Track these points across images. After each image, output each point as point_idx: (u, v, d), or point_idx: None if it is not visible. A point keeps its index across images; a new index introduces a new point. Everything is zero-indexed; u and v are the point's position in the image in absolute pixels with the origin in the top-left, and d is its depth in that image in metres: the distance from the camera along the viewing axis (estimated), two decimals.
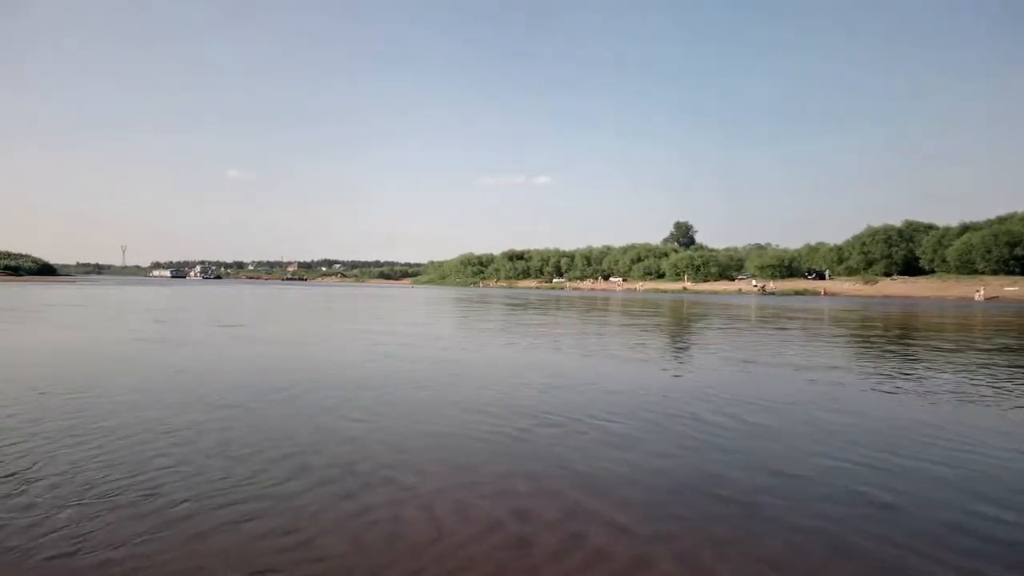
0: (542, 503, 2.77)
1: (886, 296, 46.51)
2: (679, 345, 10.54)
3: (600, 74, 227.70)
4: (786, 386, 6.05)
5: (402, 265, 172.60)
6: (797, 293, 52.16)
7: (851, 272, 62.40)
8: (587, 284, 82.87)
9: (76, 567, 2.09)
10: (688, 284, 69.19)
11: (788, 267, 69.10)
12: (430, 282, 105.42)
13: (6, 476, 2.95)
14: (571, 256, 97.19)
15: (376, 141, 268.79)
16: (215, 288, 48.71)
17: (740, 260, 78.11)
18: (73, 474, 2.99)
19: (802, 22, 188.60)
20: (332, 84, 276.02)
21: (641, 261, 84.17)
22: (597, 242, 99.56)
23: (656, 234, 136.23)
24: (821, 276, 63.37)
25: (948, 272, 54.36)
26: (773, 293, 53.31)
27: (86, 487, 2.81)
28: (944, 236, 57.93)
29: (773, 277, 65.16)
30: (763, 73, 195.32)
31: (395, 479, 3.04)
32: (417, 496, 2.81)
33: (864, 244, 63.57)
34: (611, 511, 2.68)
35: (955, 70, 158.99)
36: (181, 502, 2.66)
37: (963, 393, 5.75)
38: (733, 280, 68.88)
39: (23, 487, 2.80)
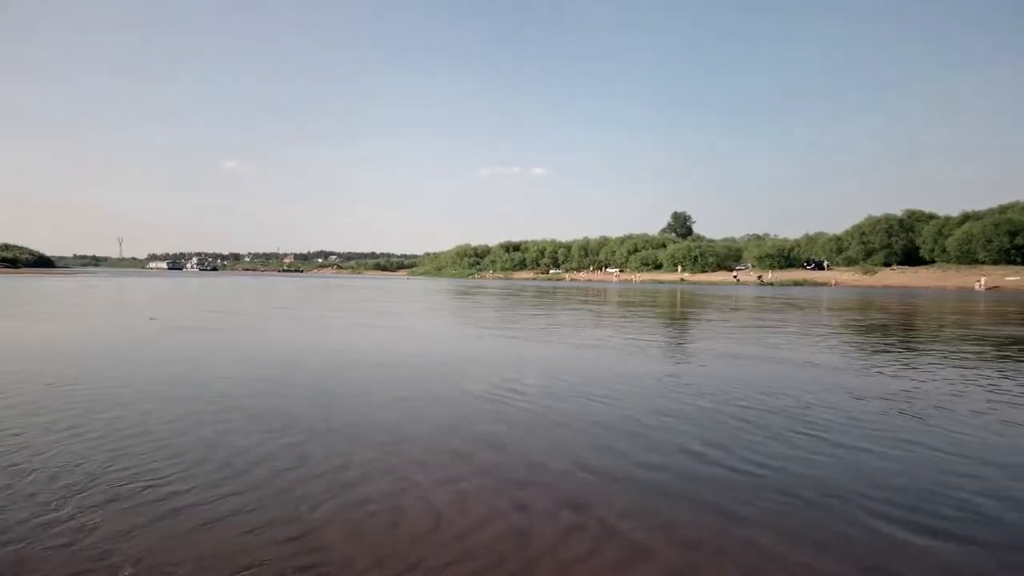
0: (541, 493, 2.78)
1: (886, 286, 46.46)
2: (676, 336, 10.54)
3: (598, 65, 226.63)
4: (794, 382, 6.06)
5: (398, 257, 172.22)
6: (796, 284, 52.13)
7: (850, 262, 62.33)
8: (584, 275, 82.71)
9: (77, 557, 2.10)
10: (685, 275, 69.08)
11: (787, 257, 69.01)
12: (426, 274, 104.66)
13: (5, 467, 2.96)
14: (568, 247, 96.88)
15: (373, 133, 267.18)
16: (209, 279, 48.63)
17: (738, 250, 77.87)
18: (76, 464, 2.99)
19: (800, 12, 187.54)
20: (329, 76, 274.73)
21: (638, 252, 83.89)
22: (594, 233, 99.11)
23: (654, 225, 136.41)
24: (820, 266, 63.16)
25: (948, 262, 54.30)
26: (771, 284, 53.27)
27: (89, 477, 2.82)
28: (945, 226, 57.85)
29: (772, 267, 65.05)
30: (762, 64, 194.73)
31: (394, 469, 3.04)
32: (416, 486, 2.82)
33: (864, 234, 63.44)
34: (611, 501, 2.69)
35: (956, 60, 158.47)
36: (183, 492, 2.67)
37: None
38: (731, 271, 68.80)
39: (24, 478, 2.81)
